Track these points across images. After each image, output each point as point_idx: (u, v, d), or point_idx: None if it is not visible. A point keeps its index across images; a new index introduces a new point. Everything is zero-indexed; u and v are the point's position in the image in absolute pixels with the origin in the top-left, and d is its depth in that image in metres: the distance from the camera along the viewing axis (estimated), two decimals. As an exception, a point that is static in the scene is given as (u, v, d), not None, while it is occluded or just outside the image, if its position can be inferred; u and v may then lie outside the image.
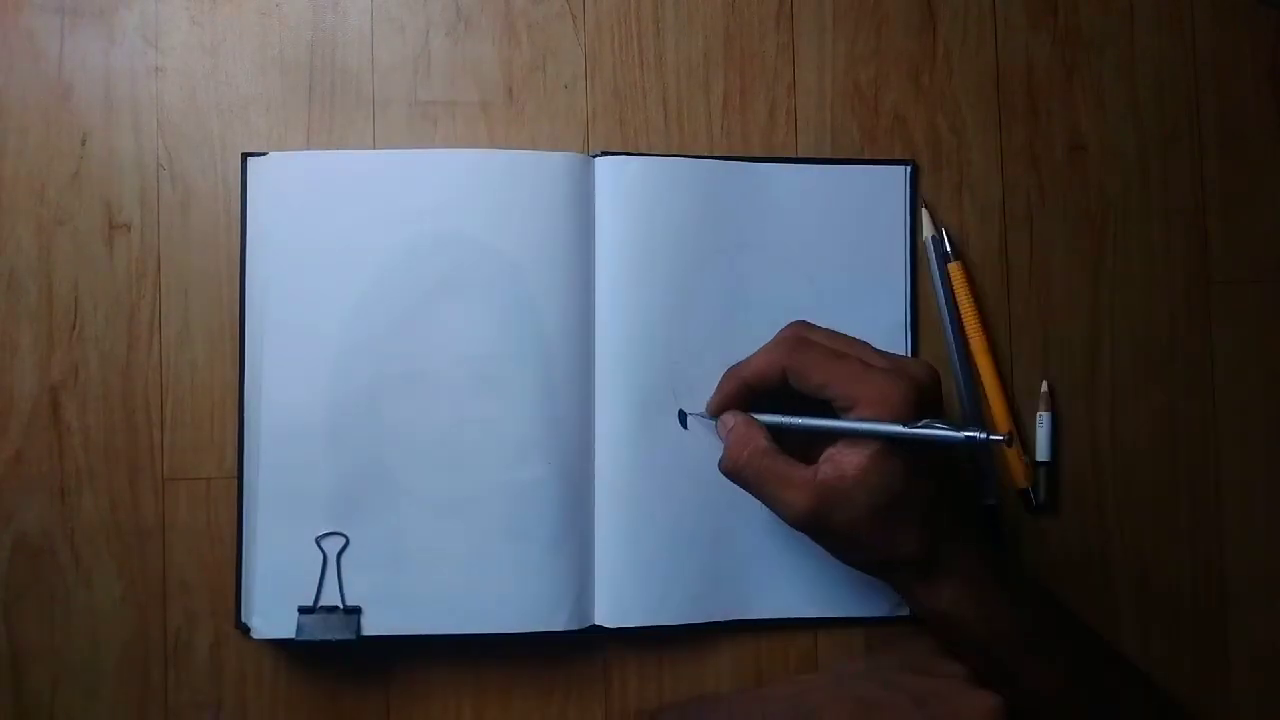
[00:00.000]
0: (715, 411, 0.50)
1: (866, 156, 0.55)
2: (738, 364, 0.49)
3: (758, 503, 0.51)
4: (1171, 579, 0.54)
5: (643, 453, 0.51)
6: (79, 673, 0.50)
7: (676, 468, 0.51)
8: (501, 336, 0.50)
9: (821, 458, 0.45)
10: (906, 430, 0.43)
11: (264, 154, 0.52)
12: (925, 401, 0.44)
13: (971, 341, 0.53)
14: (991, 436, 0.42)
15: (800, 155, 0.54)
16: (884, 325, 0.53)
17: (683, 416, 0.52)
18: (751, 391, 0.48)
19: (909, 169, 0.54)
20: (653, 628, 0.51)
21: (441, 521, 0.50)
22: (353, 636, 0.49)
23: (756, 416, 0.48)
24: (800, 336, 0.47)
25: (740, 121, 0.54)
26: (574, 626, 0.50)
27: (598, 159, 0.52)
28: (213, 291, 0.52)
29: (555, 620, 0.50)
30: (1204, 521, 0.55)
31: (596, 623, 0.51)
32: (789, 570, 0.52)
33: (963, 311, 0.54)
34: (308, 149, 0.53)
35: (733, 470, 0.47)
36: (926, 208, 0.54)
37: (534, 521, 0.50)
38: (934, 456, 0.45)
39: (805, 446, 0.46)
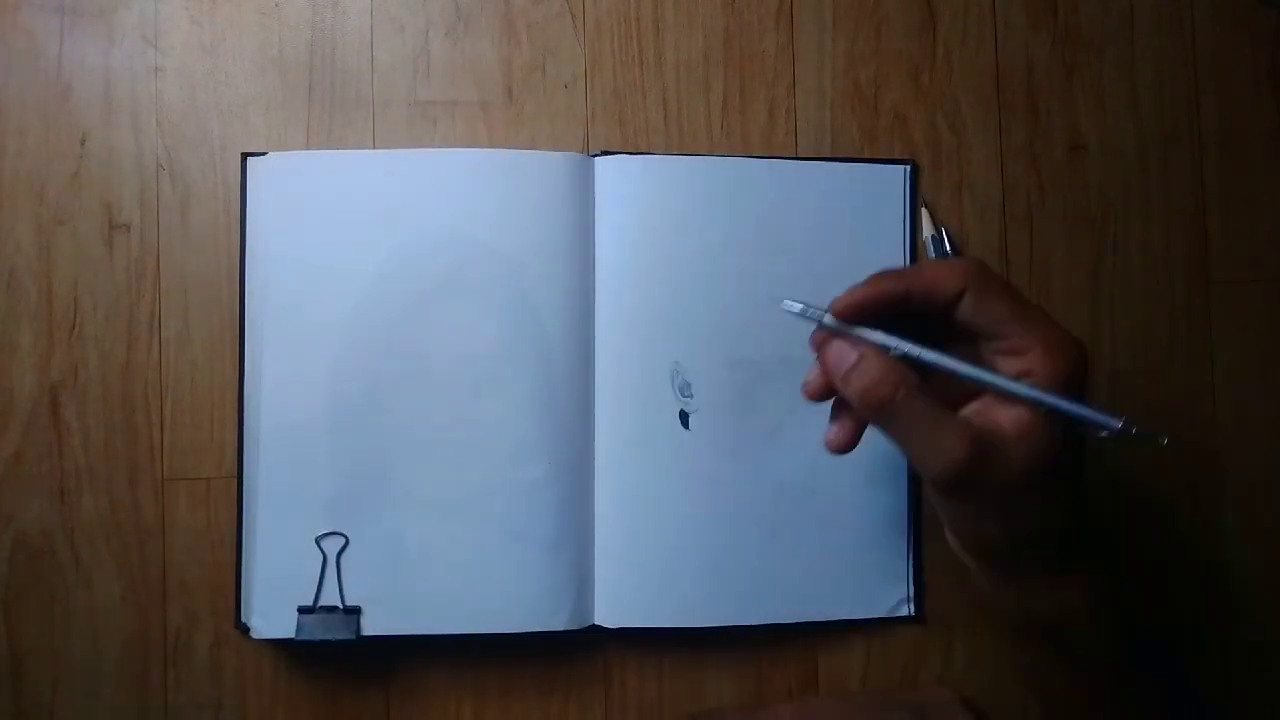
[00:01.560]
0: (843, 309, 0.40)
1: (866, 156, 0.55)
2: (897, 270, 0.41)
3: (757, 503, 0.51)
4: (1171, 579, 0.54)
5: (643, 453, 0.51)
6: (79, 673, 0.50)
7: (676, 468, 0.51)
8: (501, 336, 0.50)
9: (967, 410, 0.39)
10: (1074, 407, 0.37)
11: (264, 154, 0.51)
12: (1086, 371, 0.39)
13: None
14: (1161, 436, 0.37)
15: (800, 155, 0.54)
16: (884, 325, 0.53)
17: (683, 416, 0.52)
18: (904, 302, 0.40)
19: (908, 169, 0.54)
20: (653, 628, 0.51)
21: (441, 521, 0.50)
22: (352, 636, 0.49)
23: (891, 342, 0.39)
24: (985, 266, 0.40)
25: (740, 121, 0.54)
26: (574, 626, 0.50)
27: (598, 158, 0.52)
28: (213, 291, 0.52)
29: (555, 620, 0.50)
30: (1204, 521, 0.55)
31: (596, 623, 0.51)
32: (789, 571, 0.52)
33: None
34: (307, 149, 0.52)
35: (881, 408, 0.39)
36: (926, 207, 0.54)
37: (534, 521, 0.50)
38: (1083, 438, 0.40)
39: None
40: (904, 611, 0.53)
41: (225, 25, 0.53)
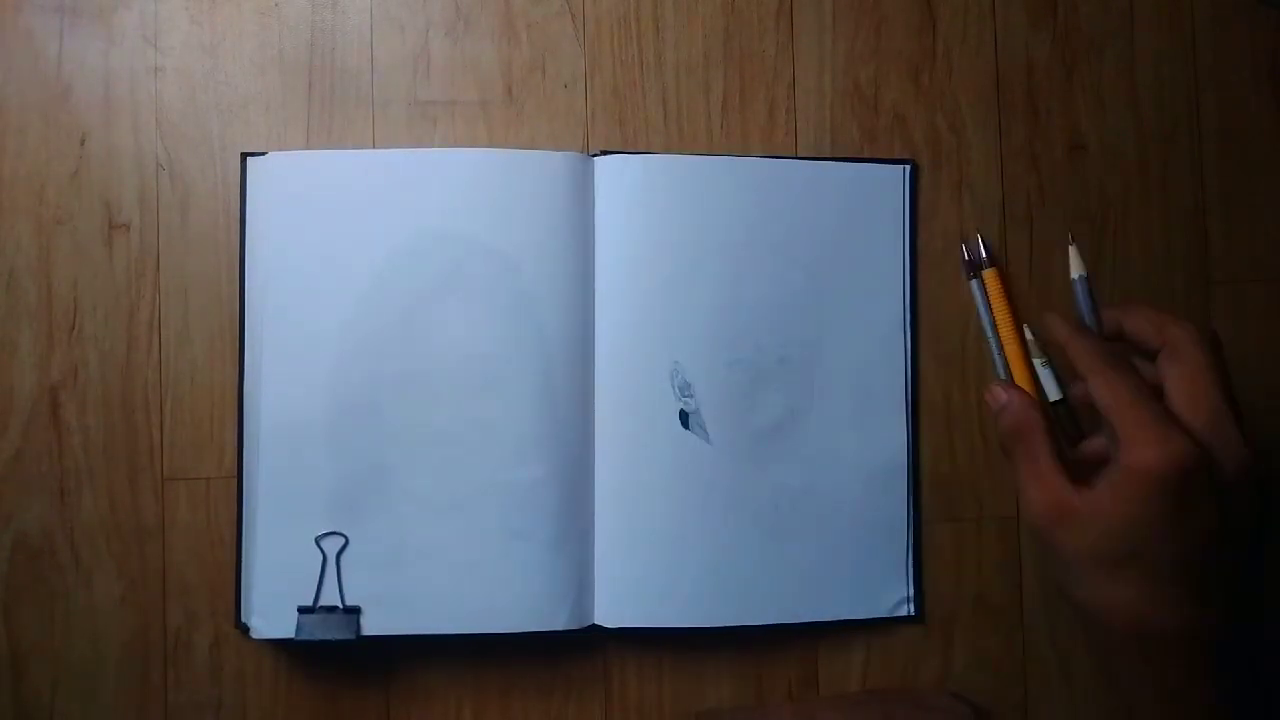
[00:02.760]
0: (1067, 338, 0.43)
1: (866, 156, 0.55)
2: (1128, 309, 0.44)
3: (757, 503, 0.52)
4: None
5: (643, 453, 0.51)
6: (79, 673, 0.50)
7: (676, 468, 0.51)
8: (502, 336, 0.50)
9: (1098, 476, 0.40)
10: None
11: (263, 154, 0.51)
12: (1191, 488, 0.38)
13: (1007, 349, 0.52)
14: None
15: (800, 154, 0.54)
16: (882, 324, 0.53)
17: (683, 416, 0.52)
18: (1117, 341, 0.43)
19: (908, 169, 0.54)
20: (653, 628, 0.51)
21: (441, 521, 0.50)
22: (352, 636, 0.49)
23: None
24: (1210, 345, 0.42)
25: (740, 121, 0.54)
26: (574, 626, 0.50)
27: (598, 158, 0.52)
28: (212, 291, 0.52)
29: (555, 620, 0.50)
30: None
31: (596, 623, 0.51)
32: (789, 570, 0.52)
33: (998, 320, 0.52)
34: (307, 148, 0.52)
35: (1004, 442, 0.43)
36: (1074, 244, 0.48)
37: (534, 521, 0.50)
38: (1238, 507, 0.39)
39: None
40: (904, 611, 0.53)
41: (225, 25, 0.53)
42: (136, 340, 0.51)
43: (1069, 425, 0.47)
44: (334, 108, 0.53)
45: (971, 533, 0.54)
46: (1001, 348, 0.53)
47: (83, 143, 0.52)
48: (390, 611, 0.49)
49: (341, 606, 0.49)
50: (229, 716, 0.51)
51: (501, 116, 0.53)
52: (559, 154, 0.52)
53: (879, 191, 0.54)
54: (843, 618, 0.52)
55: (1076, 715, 0.54)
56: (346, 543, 0.49)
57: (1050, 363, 0.48)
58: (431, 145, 0.53)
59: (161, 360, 0.51)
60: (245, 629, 0.50)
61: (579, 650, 0.52)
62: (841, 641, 0.53)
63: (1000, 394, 0.45)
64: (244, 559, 0.50)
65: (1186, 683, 0.39)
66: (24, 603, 0.50)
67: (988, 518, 0.54)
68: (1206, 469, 0.38)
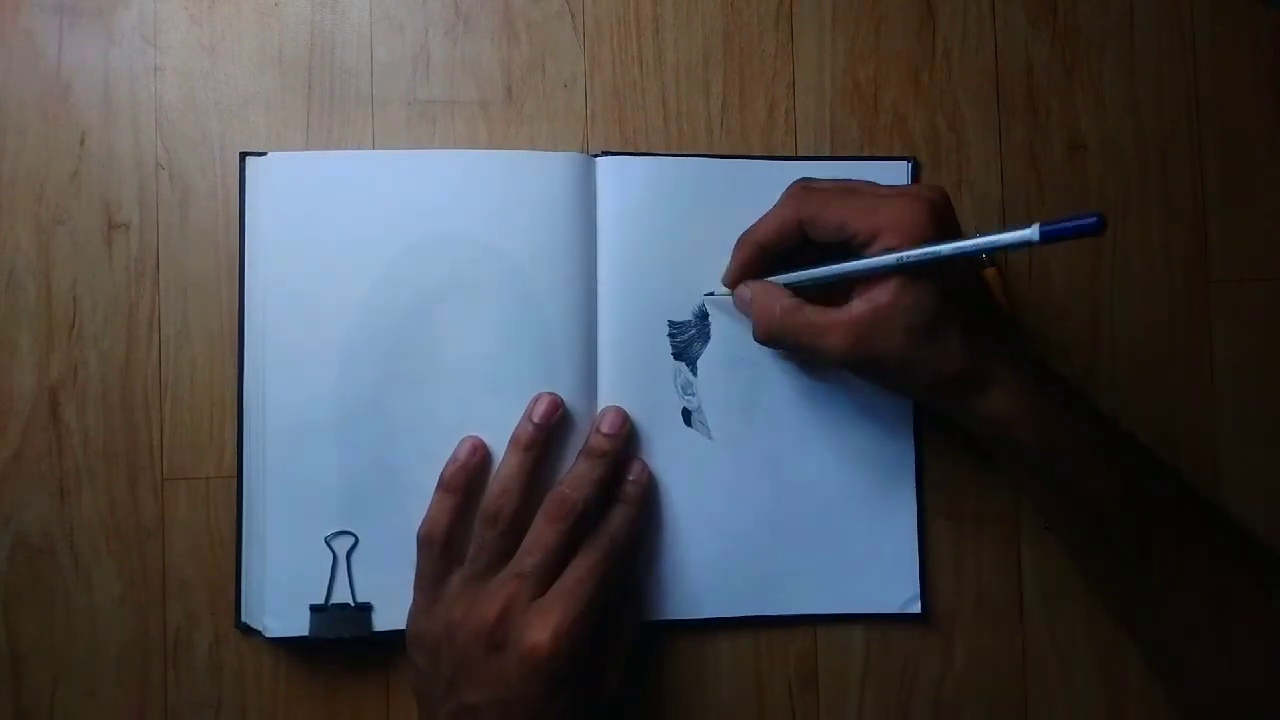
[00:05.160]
0: (732, 281, 0.50)
1: (866, 155, 0.55)
2: (749, 229, 0.49)
3: (760, 499, 0.52)
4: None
5: (645, 451, 0.51)
6: (79, 673, 0.50)
7: (679, 466, 0.51)
8: (505, 336, 0.50)
9: (852, 295, 0.45)
10: (923, 252, 0.42)
11: (263, 154, 0.51)
12: (943, 220, 0.44)
13: None
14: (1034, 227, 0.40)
15: (800, 154, 0.54)
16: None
17: (686, 414, 0.52)
18: (766, 253, 0.48)
19: (911, 164, 0.54)
20: (652, 624, 0.51)
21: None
22: (365, 633, 0.49)
23: (774, 280, 0.48)
24: (806, 186, 0.47)
25: (740, 121, 0.54)
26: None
27: (600, 159, 0.52)
28: (212, 291, 0.52)
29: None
30: (1203, 521, 0.55)
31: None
32: (789, 567, 0.52)
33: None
34: (307, 148, 0.52)
35: (768, 334, 0.47)
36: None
37: (535, 520, 0.50)
38: (963, 273, 0.45)
39: (829, 300, 0.46)
40: (915, 609, 0.52)
41: (224, 25, 0.53)
42: (136, 340, 0.51)
43: None
44: (333, 107, 0.53)
45: (971, 532, 0.54)
46: None
47: (82, 142, 0.52)
48: (402, 608, 0.49)
49: (353, 604, 0.49)
50: (229, 716, 0.51)
51: (501, 116, 0.53)
52: (561, 155, 0.52)
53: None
54: (851, 611, 0.52)
55: (1076, 715, 0.54)
56: (356, 542, 0.49)
57: None
58: (431, 145, 0.53)
59: (161, 360, 0.51)
60: (246, 629, 0.50)
61: (579, 650, 0.52)
62: (842, 638, 0.53)
63: (744, 290, 0.49)
64: (254, 559, 0.50)
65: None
66: (24, 603, 0.50)
67: (988, 517, 0.54)
68: (949, 201, 0.45)
